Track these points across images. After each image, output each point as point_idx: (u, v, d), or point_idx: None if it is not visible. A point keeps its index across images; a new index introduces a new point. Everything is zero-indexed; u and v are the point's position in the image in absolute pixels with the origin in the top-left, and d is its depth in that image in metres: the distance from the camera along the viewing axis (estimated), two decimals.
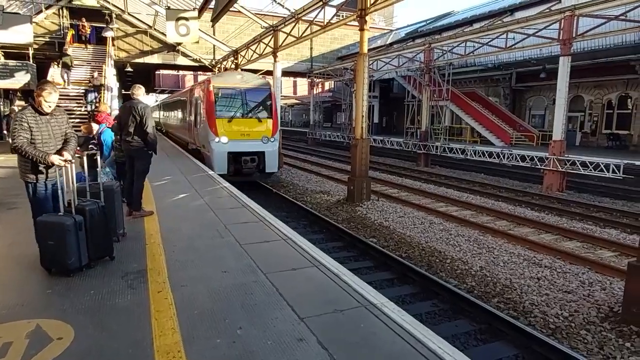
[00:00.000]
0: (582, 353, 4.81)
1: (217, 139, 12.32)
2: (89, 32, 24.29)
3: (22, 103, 21.79)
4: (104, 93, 18.58)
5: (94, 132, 7.89)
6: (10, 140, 13.25)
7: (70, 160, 4.21)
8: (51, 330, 3.05)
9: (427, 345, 2.97)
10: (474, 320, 5.42)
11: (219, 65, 28.03)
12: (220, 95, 12.88)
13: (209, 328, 3.13)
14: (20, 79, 20.41)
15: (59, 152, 4.25)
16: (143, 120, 6.14)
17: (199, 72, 31.37)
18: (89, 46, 24.51)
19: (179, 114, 20.83)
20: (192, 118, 15.25)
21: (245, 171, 12.70)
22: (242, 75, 13.90)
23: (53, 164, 4.10)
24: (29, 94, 22.69)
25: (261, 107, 13.42)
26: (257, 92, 13.50)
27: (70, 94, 19.27)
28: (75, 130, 4.80)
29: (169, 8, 18.92)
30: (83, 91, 19.45)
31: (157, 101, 37.33)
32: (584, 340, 5.11)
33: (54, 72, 20.57)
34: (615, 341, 5.03)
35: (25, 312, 3.34)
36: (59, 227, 3.92)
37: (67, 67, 19.37)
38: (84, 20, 23.94)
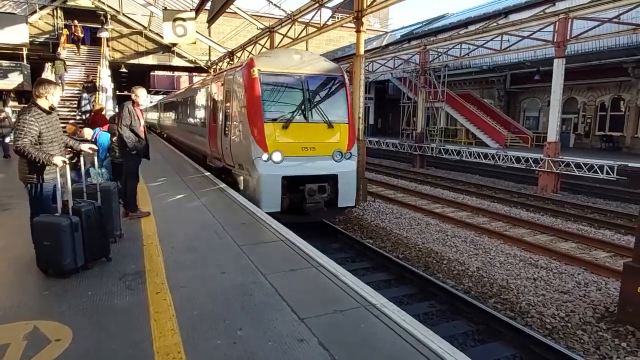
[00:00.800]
0: (579, 353, 4.84)
1: (265, 156, 7.90)
2: (82, 35, 24.10)
3: (16, 104, 21.64)
4: (98, 95, 18.46)
5: (90, 135, 7.86)
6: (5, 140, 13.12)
7: (66, 161, 4.19)
8: (49, 331, 3.02)
9: (427, 345, 2.97)
10: (471, 320, 5.43)
11: (214, 67, 27.98)
12: (269, 85, 8.29)
13: (208, 329, 3.12)
14: (14, 80, 20.29)
15: (71, 148, 4.56)
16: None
17: (194, 74, 31.28)
18: (82, 47, 24.35)
19: (188, 115, 15.70)
20: (218, 122, 10.16)
21: (308, 206, 8.12)
22: (301, 55, 8.91)
23: (56, 165, 4.08)
24: (22, 95, 22.57)
25: (332, 105, 8.69)
26: (325, 82, 8.84)
27: (64, 96, 19.11)
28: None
29: (165, 9, 18.86)
30: (77, 91, 19.30)
31: (152, 102, 37.10)
32: (580, 340, 5.14)
33: (48, 76, 20.44)
34: (612, 341, 5.07)
35: (22, 313, 3.30)
36: (54, 228, 3.89)
37: (60, 73, 18.99)
38: (76, 22, 23.79)
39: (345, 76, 9.19)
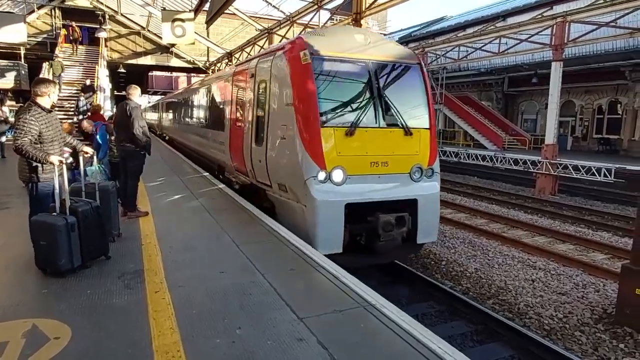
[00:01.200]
0: (577, 354, 4.85)
1: (322, 175, 5.78)
2: (80, 38, 24.09)
3: (13, 103, 21.58)
4: (96, 95, 18.42)
5: (90, 128, 7.88)
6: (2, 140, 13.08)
7: (63, 161, 4.20)
8: (48, 329, 3.00)
9: (426, 345, 2.97)
10: (470, 321, 5.44)
11: (212, 68, 27.97)
12: (327, 75, 6.13)
13: (208, 328, 3.11)
14: (12, 79, 20.21)
15: (73, 148, 4.64)
16: (130, 121, 6.12)
17: (192, 74, 31.28)
18: (80, 47, 24.32)
19: (199, 116, 13.33)
20: (245, 125, 7.79)
21: (380, 245, 5.95)
22: (364, 35, 6.68)
23: (52, 164, 4.08)
24: (20, 94, 22.52)
25: (409, 104, 6.52)
26: (398, 71, 6.61)
27: (62, 96, 19.06)
28: None
29: (164, 9, 18.86)
30: (75, 91, 19.25)
31: (149, 102, 37.03)
32: (578, 342, 5.16)
33: (46, 76, 20.37)
34: (610, 342, 5.08)
35: (21, 312, 3.28)
36: (50, 228, 3.87)
37: (58, 73, 18.89)
38: (73, 24, 23.81)
39: (423, 65, 6.96)
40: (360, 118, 5.99)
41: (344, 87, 6.21)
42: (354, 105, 6.13)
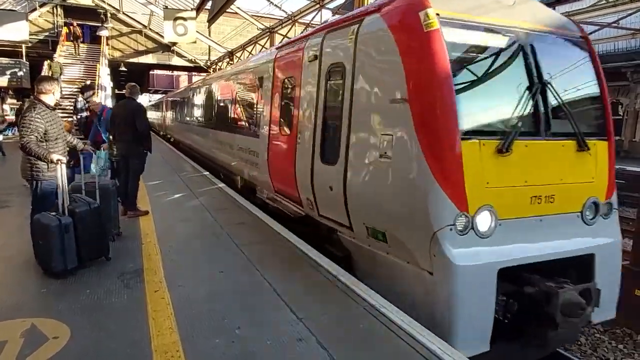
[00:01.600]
0: (576, 354, 4.85)
1: (462, 221, 3.42)
2: (81, 37, 24.16)
3: (14, 101, 21.63)
4: (97, 94, 18.44)
5: (97, 107, 8.00)
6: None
7: (62, 159, 4.21)
8: (46, 329, 3.01)
9: (425, 345, 2.97)
10: None
11: (214, 67, 27.97)
12: (465, 52, 3.81)
13: (207, 328, 3.11)
14: (13, 77, 20.23)
15: (74, 147, 4.71)
16: (136, 120, 6.12)
17: (193, 73, 31.29)
18: (82, 45, 24.39)
19: (217, 116, 10.76)
20: (299, 130, 5.48)
21: (559, 336, 3.69)
22: None
23: (52, 162, 4.09)
24: (20, 92, 22.56)
25: (578, 102, 4.31)
26: (559, 49, 4.25)
27: (63, 94, 19.07)
28: None
29: (166, 8, 18.87)
30: (76, 89, 19.27)
31: (150, 101, 37.04)
32: (577, 342, 5.15)
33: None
34: (609, 343, 5.10)
35: (20, 311, 3.29)
36: (45, 228, 3.88)
37: (57, 74, 18.82)
38: (74, 23, 23.88)
39: (590, 39, 4.58)
40: (518, 124, 3.70)
41: (490, 72, 3.90)
42: (507, 103, 3.82)
